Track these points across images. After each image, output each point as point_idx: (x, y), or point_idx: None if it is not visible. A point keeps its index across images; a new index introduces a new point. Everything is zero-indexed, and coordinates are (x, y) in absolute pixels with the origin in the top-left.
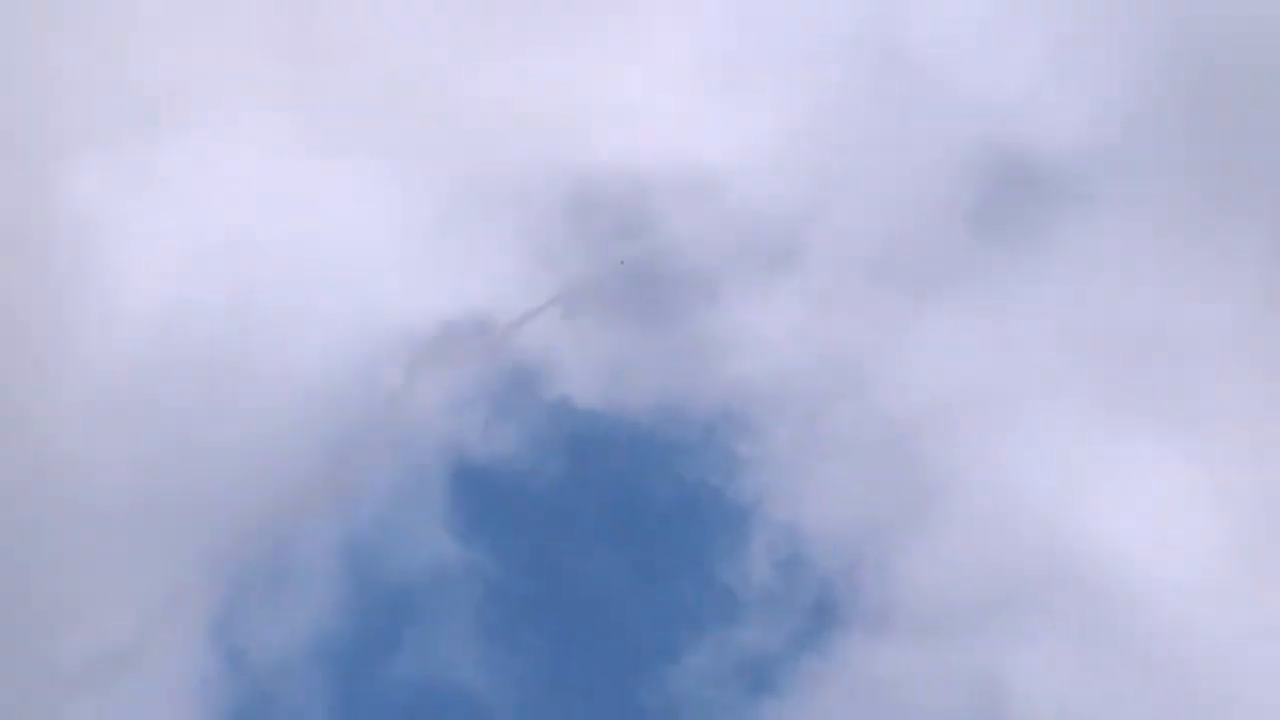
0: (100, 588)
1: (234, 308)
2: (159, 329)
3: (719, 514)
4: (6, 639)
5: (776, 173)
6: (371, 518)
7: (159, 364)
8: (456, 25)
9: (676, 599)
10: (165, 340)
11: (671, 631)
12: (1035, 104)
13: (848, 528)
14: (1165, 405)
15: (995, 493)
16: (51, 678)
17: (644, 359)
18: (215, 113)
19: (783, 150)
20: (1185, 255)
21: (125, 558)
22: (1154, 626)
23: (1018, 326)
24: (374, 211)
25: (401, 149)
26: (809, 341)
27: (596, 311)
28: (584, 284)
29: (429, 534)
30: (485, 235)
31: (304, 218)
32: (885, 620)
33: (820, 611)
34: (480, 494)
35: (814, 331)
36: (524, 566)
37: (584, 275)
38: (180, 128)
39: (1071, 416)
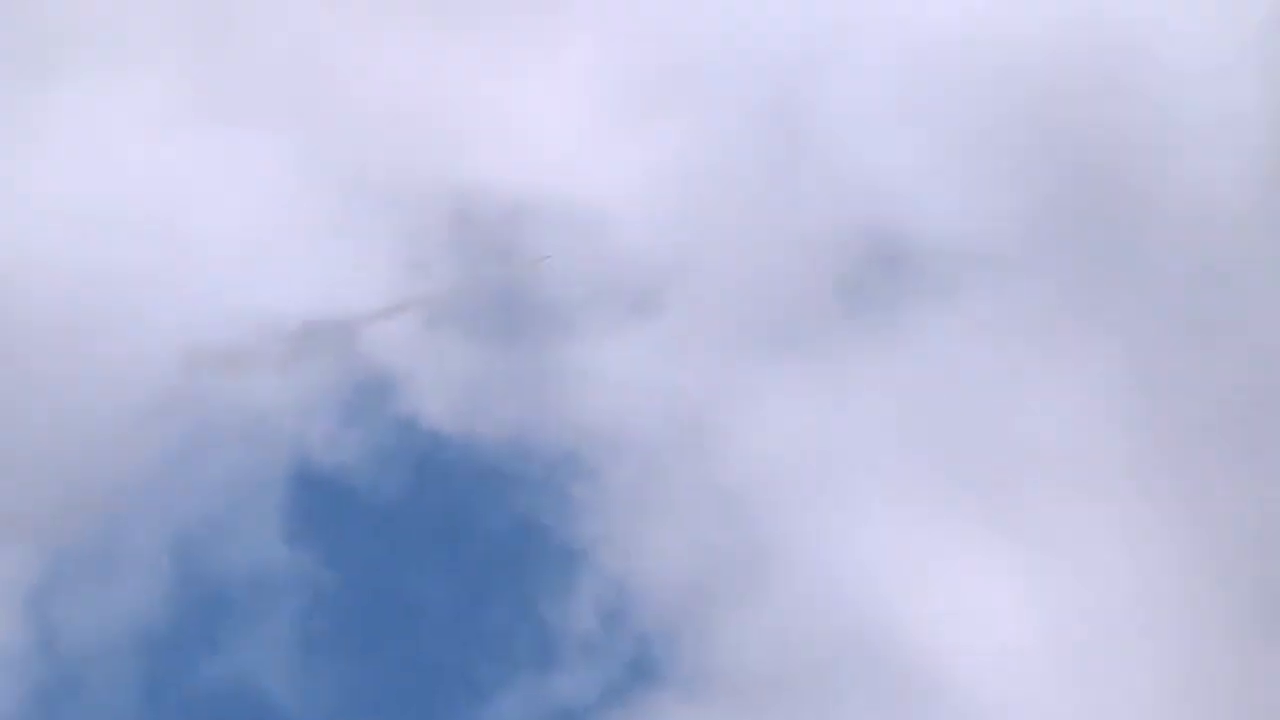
0: None
1: (86, 275)
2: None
3: (550, 555)
4: None
5: (655, 216)
6: (203, 511)
7: None
8: (367, 17)
9: (497, 636)
10: (5, 299)
11: (488, 668)
12: (917, 192)
13: (674, 586)
14: (994, 505)
15: (821, 567)
16: None
17: (497, 386)
18: (104, 71)
19: (665, 195)
20: (1035, 362)
21: None
22: (959, 715)
23: (864, 404)
24: (253, 195)
25: (291, 137)
26: (659, 392)
27: (455, 328)
28: (446, 297)
29: (260, 535)
30: (360, 236)
31: (180, 191)
32: (700, 684)
33: (637, 668)
34: (317, 500)
35: (665, 382)
36: (351, 580)
37: (449, 288)
38: (65, 81)
39: (903, 501)
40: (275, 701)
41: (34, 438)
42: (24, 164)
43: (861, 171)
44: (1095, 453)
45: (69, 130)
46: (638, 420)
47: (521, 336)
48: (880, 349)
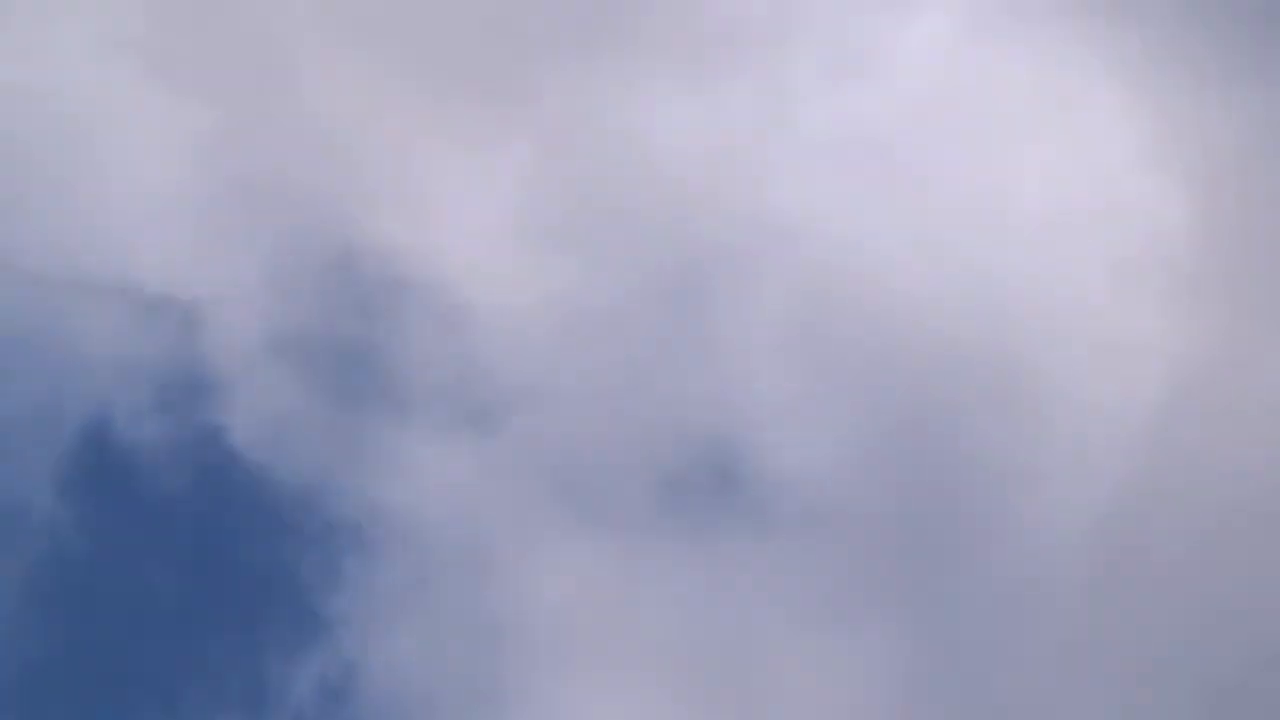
0: None
1: None
2: None
3: (295, 612)
4: None
5: (525, 342)
6: None
7: None
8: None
9: (211, 670)
10: None
11: (190, 698)
12: (768, 416)
13: (403, 694)
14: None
15: None
16: None
17: (314, 434)
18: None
19: (542, 325)
20: (830, 625)
21: None
22: None
23: (643, 591)
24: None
25: (208, 126)
26: (463, 506)
27: (300, 362)
28: (301, 328)
29: (32, 472)
30: (234, 249)
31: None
32: None
33: None
34: (100, 467)
35: (467, 506)
36: (97, 557)
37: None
38: None
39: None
40: None
41: None
42: None
43: (724, 378)
44: None
45: None
46: (434, 525)
47: (360, 401)
48: (680, 548)
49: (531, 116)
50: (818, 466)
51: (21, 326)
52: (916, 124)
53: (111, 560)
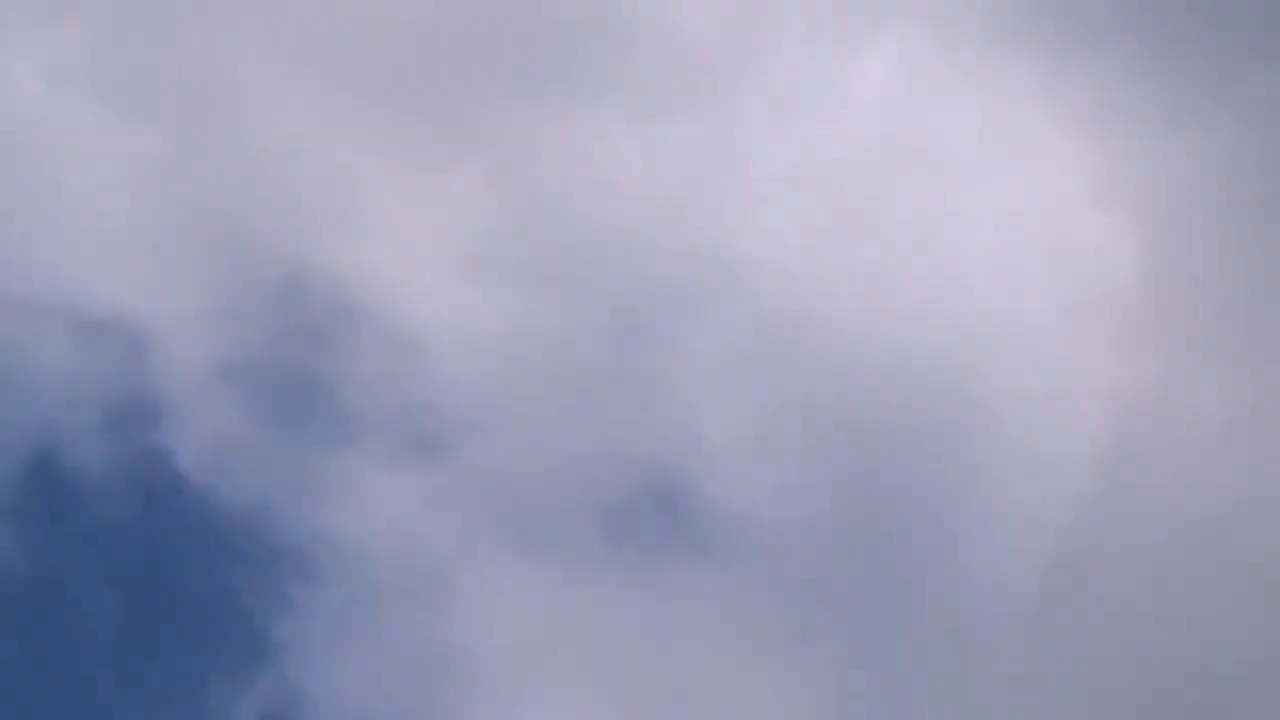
0: None
1: None
2: None
3: (239, 639)
4: None
5: (471, 373)
6: None
7: None
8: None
9: (148, 694)
10: None
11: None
12: (712, 446)
13: (348, 714)
14: None
15: None
16: None
17: (261, 459)
18: None
19: (489, 357)
20: (772, 656)
21: None
22: None
23: (594, 632)
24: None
25: (156, 143)
26: (405, 546)
27: (246, 386)
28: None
29: None
30: (182, 274)
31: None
32: None
33: None
34: (43, 488)
35: (412, 534)
36: (31, 578)
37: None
38: None
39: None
40: None
41: None
42: None
43: (670, 411)
44: None
45: None
46: (379, 552)
47: (306, 427)
48: (624, 577)
49: (482, 147)
50: (761, 500)
51: None
52: (866, 162)
53: (55, 583)
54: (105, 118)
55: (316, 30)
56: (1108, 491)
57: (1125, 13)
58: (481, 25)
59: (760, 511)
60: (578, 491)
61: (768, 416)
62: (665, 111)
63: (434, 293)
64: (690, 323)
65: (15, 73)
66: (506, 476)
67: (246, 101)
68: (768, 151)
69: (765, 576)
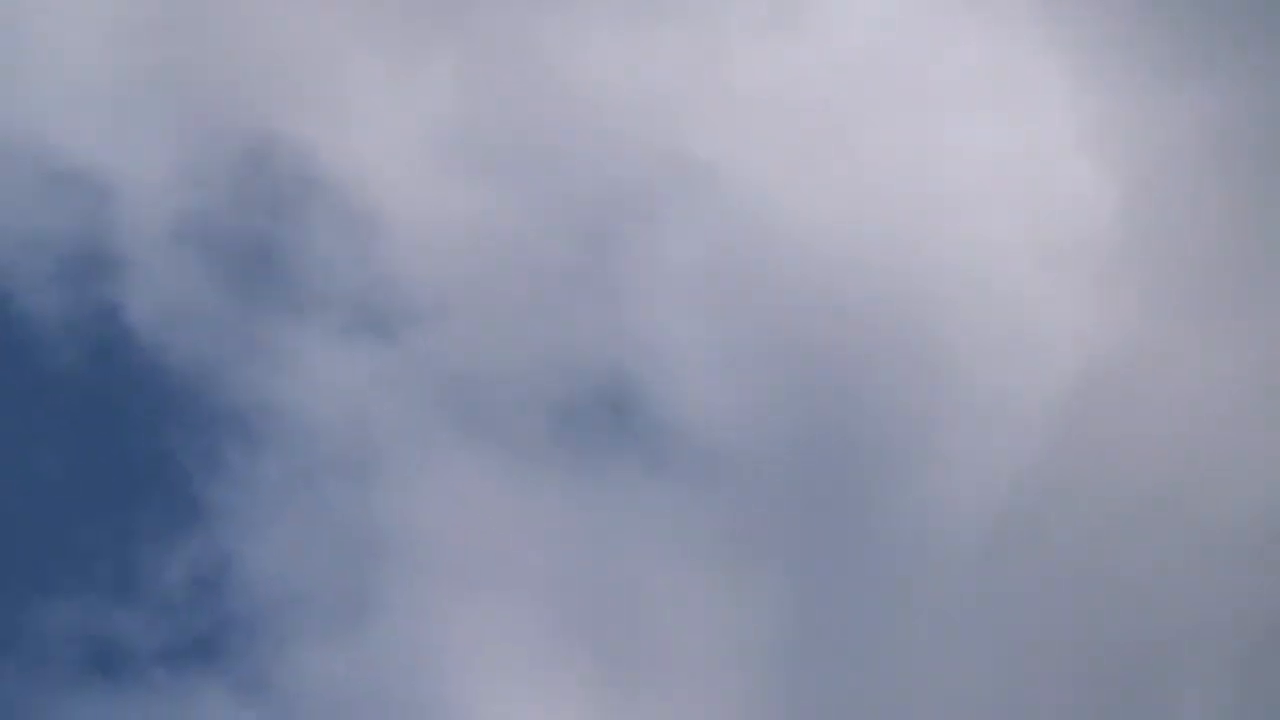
0: None
1: None
2: None
3: (173, 497)
4: None
5: (430, 257)
6: None
7: None
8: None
9: (79, 548)
10: None
11: (55, 571)
12: (668, 353)
13: (274, 592)
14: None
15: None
16: None
17: (211, 321)
18: None
19: (451, 244)
20: (713, 570)
21: None
22: None
23: (533, 530)
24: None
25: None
26: (349, 423)
27: (203, 247)
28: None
29: None
30: (150, 132)
31: None
32: (252, 693)
33: (202, 649)
34: None
35: (357, 412)
36: None
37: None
38: None
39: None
40: None
41: None
42: None
43: (628, 315)
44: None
45: None
46: (322, 426)
47: (260, 295)
48: (568, 478)
49: (461, 35)
50: (715, 411)
51: None
52: (853, 86)
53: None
54: None
55: None
56: (1067, 443)
57: None
58: None
59: (713, 426)
60: (529, 388)
61: (729, 331)
62: (651, 17)
63: (400, 175)
64: (658, 230)
65: None
66: (458, 365)
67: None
68: (753, 66)
69: (714, 492)
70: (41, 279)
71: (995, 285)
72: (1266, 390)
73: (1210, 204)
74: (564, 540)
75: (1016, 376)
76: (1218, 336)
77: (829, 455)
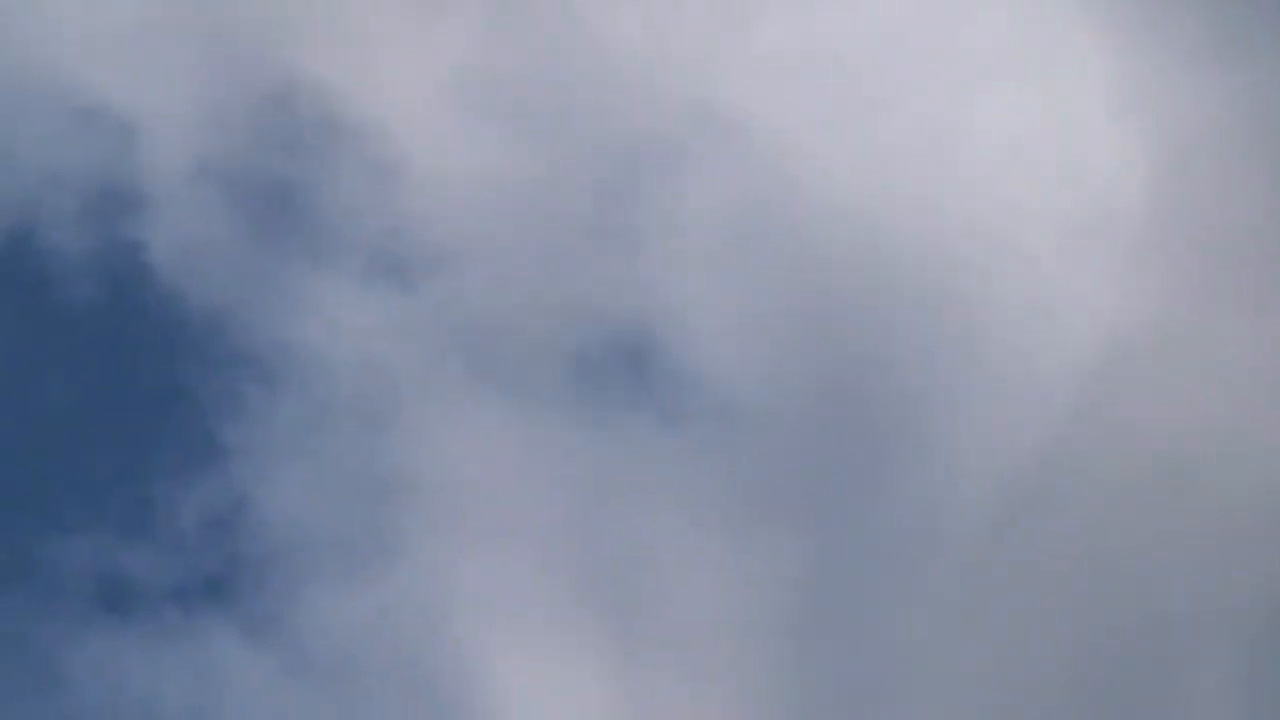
0: None
1: None
2: None
3: (190, 436)
4: None
5: (452, 201)
6: None
7: None
8: None
9: (96, 481)
10: None
11: (70, 508)
12: (688, 305)
13: (289, 537)
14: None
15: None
16: None
17: (234, 262)
18: None
19: (472, 183)
20: (727, 525)
21: None
22: None
23: (548, 480)
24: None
25: None
26: (367, 367)
27: (227, 189)
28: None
29: None
30: (175, 70)
31: None
32: (262, 637)
33: (214, 587)
34: (14, 263)
35: (375, 357)
36: (8, 352)
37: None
38: None
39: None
40: None
41: None
42: None
43: (648, 266)
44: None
45: None
46: (340, 370)
47: (281, 237)
48: (584, 429)
49: None
50: (734, 365)
51: None
52: (886, 48)
53: (12, 360)
54: None
55: None
56: (1087, 415)
57: None
58: None
59: (731, 380)
60: (546, 337)
61: (749, 285)
62: None
63: (422, 121)
64: (680, 182)
65: None
66: (476, 312)
67: None
68: (785, 23)
69: (731, 450)
70: (64, 215)
71: (1020, 252)
72: None
73: (1241, 181)
74: (577, 489)
75: (1038, 345)
76: (1243, 315)
77: (845, 414)
